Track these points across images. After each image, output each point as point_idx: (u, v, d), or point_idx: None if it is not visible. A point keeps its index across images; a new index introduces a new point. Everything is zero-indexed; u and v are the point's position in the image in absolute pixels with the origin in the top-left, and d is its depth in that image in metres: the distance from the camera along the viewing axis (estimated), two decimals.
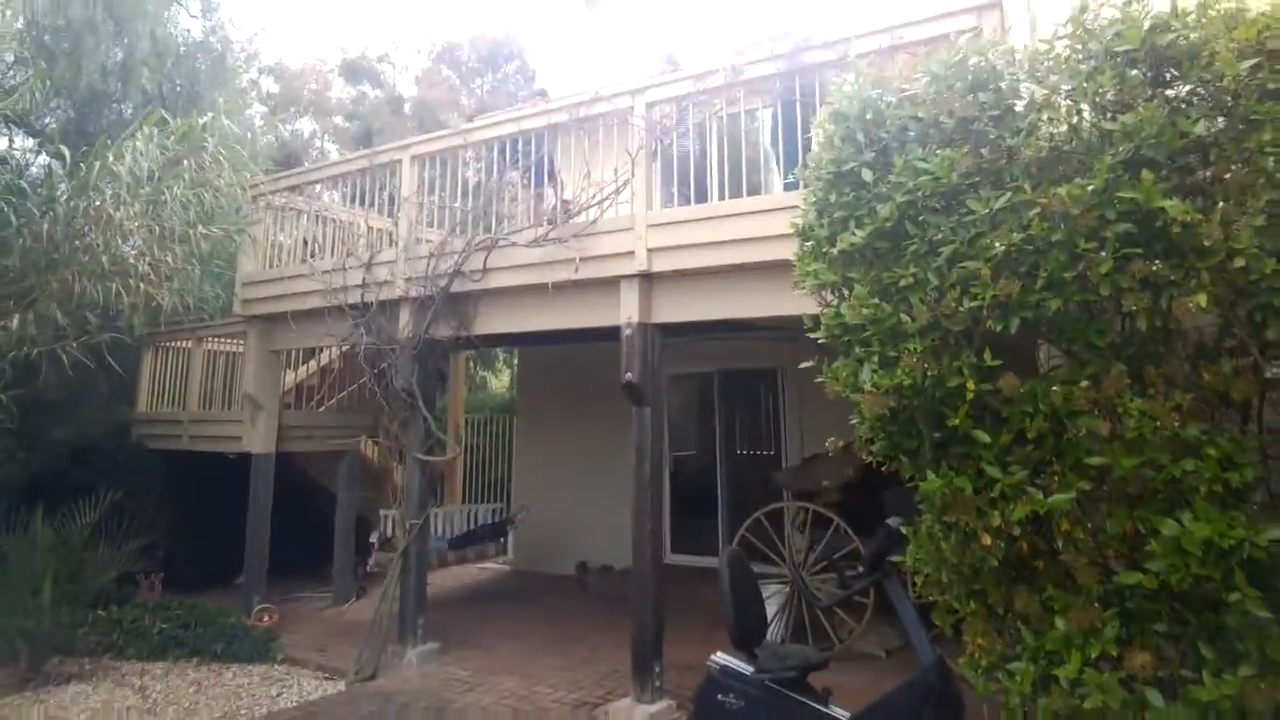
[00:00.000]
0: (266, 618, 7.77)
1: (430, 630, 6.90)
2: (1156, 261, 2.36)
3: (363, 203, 7.63)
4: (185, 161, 6.76)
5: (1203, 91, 2.52)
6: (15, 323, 6.21)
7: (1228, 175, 2.36)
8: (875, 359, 2.88)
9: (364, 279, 7.15)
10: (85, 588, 7.02)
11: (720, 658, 5.09)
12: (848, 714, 4.75)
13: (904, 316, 2.76)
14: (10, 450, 7.87)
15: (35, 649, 6.48)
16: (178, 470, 9.10)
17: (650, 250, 5.68)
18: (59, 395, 8.66)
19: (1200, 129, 2.35)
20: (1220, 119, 2.48)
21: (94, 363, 7.19)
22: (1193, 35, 2.50)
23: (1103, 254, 2.37)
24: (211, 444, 8.77)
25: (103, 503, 7.38)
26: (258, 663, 6.91)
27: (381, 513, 9.43)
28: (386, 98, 18.18)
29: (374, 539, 9.01)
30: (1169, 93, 2.62)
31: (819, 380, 3.27)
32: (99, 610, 7.34)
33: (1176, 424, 2.38)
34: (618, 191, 6.01)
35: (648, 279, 5.79)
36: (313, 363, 9.61)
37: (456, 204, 6.90)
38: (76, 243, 6.59)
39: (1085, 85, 2.55)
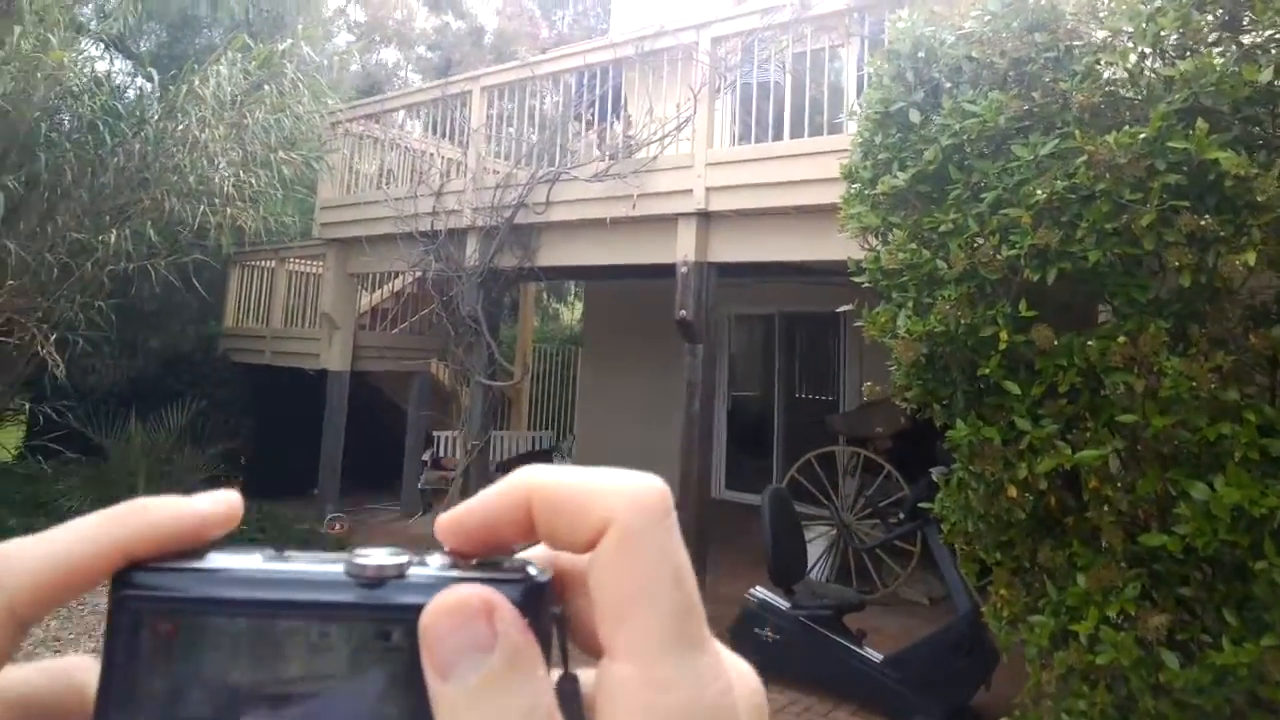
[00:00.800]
0: (338, 526, 8.14)
1: None
2: (1206, 216, 2.24)
3: (435, 132, 7.69)
4: (266, 87, 6.90)
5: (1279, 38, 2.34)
6: (113, 238, 6.51)
7: None
8: (911, 305, 2.82)
9: (434, 207, 7.26)
10: (172, 487, 7.46)
11: (758, 592, 5.18)
12: (880, 656, 4.80)
13: (941, 262, 2.69)
14: (111, 356, 8.33)
15: None
16: (260, 383, 9.50)
17: (709, 189, 5.60)
18: (153, 307, 9.11)
19: (1265, 76, 2.19)
20: None
21: (182, 280, 7.52)
22: None
23: (1147, 205, 2.25)
24: (291, 359, 9.11)
25: (190, 409, 7.77)
26: None
27: (435, 434, 9.70)
28: (468, 28, 18.10)
29: (426, 457, 9.29)
30: (1244, 39, 2.44)
31: (857, 324, 3.23)
32: None
33: (1214, 385, 2.28)
34: (679, 129, 5.93)
35: (705, 217, 5.73)
36: (388, 287, 9.86)
37: (524, 135, 6.91)
38: (165, 163, 6.84)
39: (1146, 27, 2.39)
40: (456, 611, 0.23)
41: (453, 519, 0.27)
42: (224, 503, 0.29)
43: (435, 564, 0.26)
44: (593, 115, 6.43)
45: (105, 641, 0.24)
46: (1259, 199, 2.16)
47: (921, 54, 2.86)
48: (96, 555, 0.25)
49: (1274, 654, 2.33)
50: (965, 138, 2.64)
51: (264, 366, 9.48)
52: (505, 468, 9.39)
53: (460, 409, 10.61)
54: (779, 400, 9.77)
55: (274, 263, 9.66)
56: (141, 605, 0.25)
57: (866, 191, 2.97)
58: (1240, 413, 2.32)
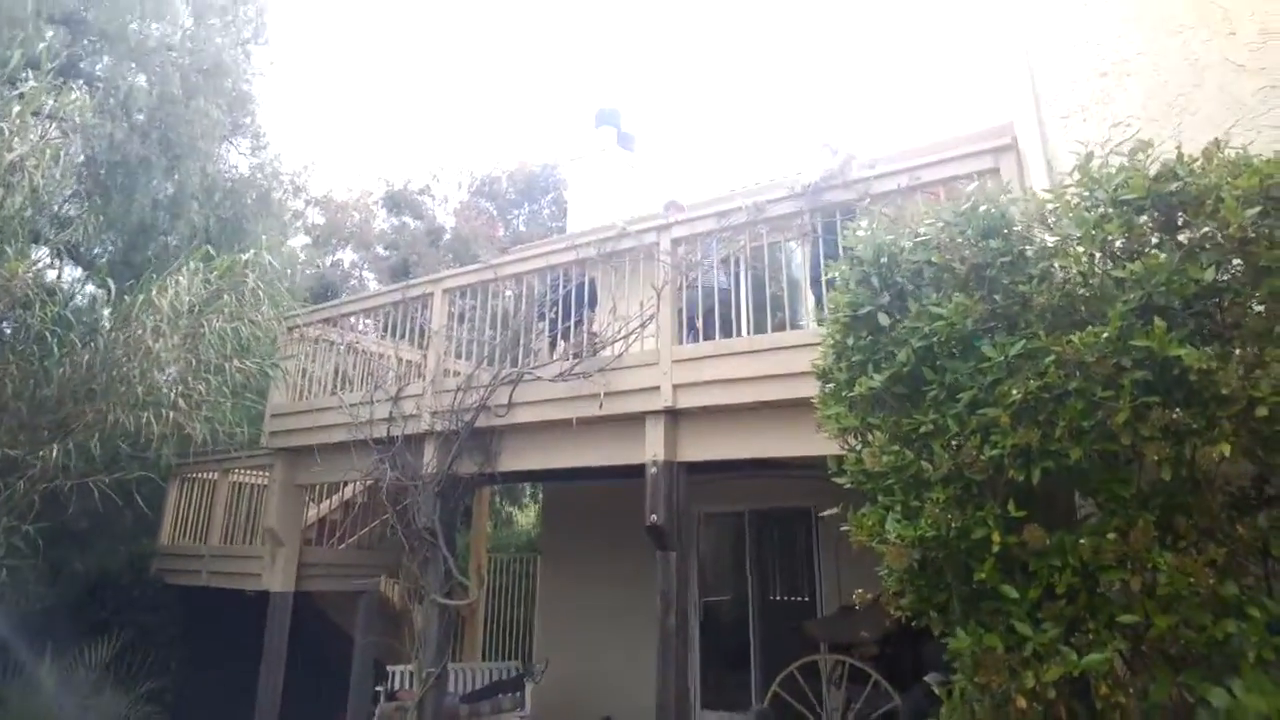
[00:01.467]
0: None
1: None
2: (1176, 410, 2.37)
3: (394, 334, 7.88)
4: (225, 296, 7.10)
5: (1216, 236, 2.58)
6: (53, 453, 6.40)
7: (1244, 321, 2.39)
8: (899, 508, 2.87)
9: (391, 412, 7.31)
10: None
11: None
12: None
13: (925, 464, 2.78)
14: (27, 585, 7.95)
15: None
16: (194, 607, 9.10)
17: (675, 386, 5.76)
18: (83, 526, 8.82)
19: (1210, 275, 2.40)
20: (1235, 261, 2.54)
21: (122, 496, 7.35)
22: (1199, 182, 2.59)
23: (1119, 402, 2.38)
24: (231, 580, 8.79)
25: (115, 643, 7.36)
26: None
27: (389, 668, 9.27)
28: (426, 228, 19.02)
29: (380, 689, 8.82)
30: (1180, 238, 2.69)
31: (843, 529, 3.26)
32: None
33: (1211, 580, 2.33)
34: (643, 326, 6.17)
35: (673, 415, 5.85)
36: (335, 498, 9.71)
37: (486, 336, 7.11)
38: (114, 373, 6.86)
39: (1094, 233, 2.64)
40: None
41: None
42: None
43: None
44: (556, 314, 6.67)
45: None
46: (1224, 391, 2.30)
47: (884, 260, 3.09)
48: None
49: None
50: (935, 339, 2.80)
51: (199, 588, 9.11)
52: (471, 698, 8.94)
53: (413, 632, 10.20)
54: (753, 604, 9.55)
55: (216, 474, 9.52)
56: None
57: (844, 393, 3.10)
58: (1243, 609, 2.35)
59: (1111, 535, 2.48)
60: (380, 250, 18.49)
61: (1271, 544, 2.43)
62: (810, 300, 5.52)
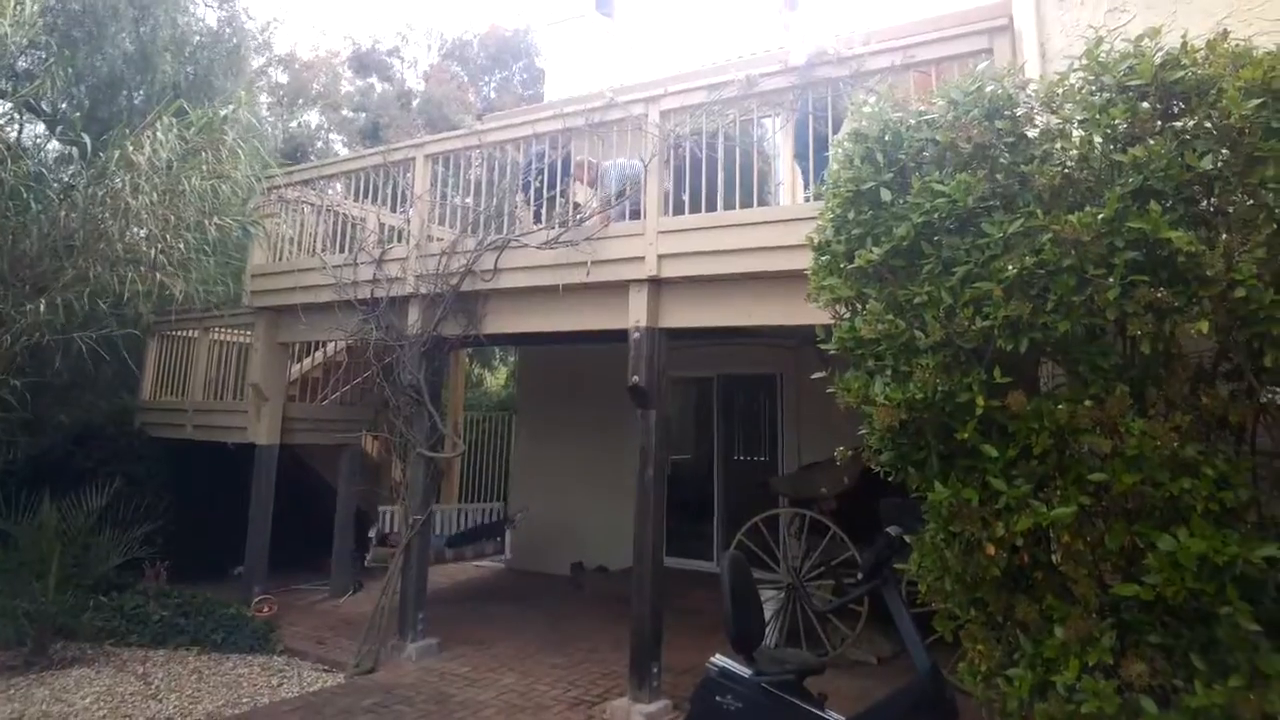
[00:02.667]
0: (266, 608, 7.85)
1: (429, 626, 6.99)
2: (1161, 289, 2.48)
3: (374, 199, 7.72)
4: (204, 153, 6.84)
5: (1209, 126, 2.64)
6: (41, 307, 6.28)
7: (1231, 209, 2.48)
8: (888, 372, 2.99)
9: (375, 275, 7.25)
10: (89, 573, 7.09)
11: (719, 660, 5.19)
12: (843, 718, 4.87)
13: (917, 332, 2.88)
14: (15, 435, 7.93)
15: (40, 632, 6.56)
16: (178, 459, 9.17)
17: (660, 256, 5.79)
18: (64, 380, 8.74)
19: (1206, 164, 2.47)
20: (1225, 153, 2.61)
21: (104, 351, 7.27)
22: (1201, 72, 2.62)
23: (1110, 280, 2.48)
24: (215, 434, 8.85)
25: (107, 489, 7.44)
26: (257, 653, 6.99)
27: (380, 509, 9.51)
28: (395, 92, 18.27)
29: (372, 534, 9.09)
30: (1176, 125, 2.74)
31: (829, 391, 3.38)
32: (101, 596, 7.41)
33: (1175, 444, 2.49)
34: (627, 196, 6.12)
35: (656, 284, 5.90)
36: (317, 355, 9.70)
37: (469, 202, 7.00)
38: (92, 229, 6.67)
39: (1098, 117, 2.67)
40: None
41: None
42: None
43: None
44: (541, 183, 6.57)
45: None
46: (1208, 273, 2.41)
47: (888, 137, 3.10)
48: None
49: (1241, 694, 2.51)
50: (935, 216, 2.86)
51: (182, 441, 9.16)
52: (456, 542, 9.25)
53: (391, 484, 10.43)
54: (718, 463, 9.92)
55: (196, 332, 9.42)
56: None
57: (840, 265, 3.16)
58: (1199, 468, 2.53)
59: (1088, 402, 2.62)
60: (348, 113, 17.78)
61: (1230, 412, 2.59)
62: (796, 176, 5.51)
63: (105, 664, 6.60)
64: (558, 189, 6.51)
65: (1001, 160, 2.85)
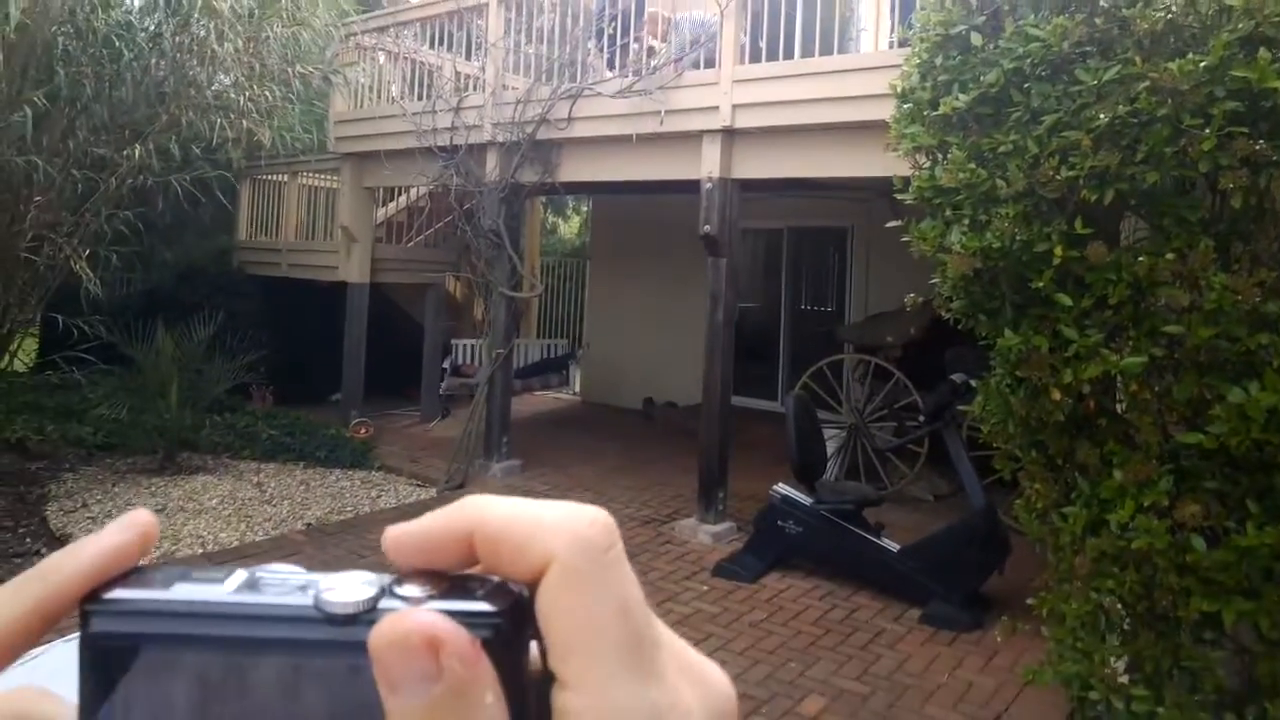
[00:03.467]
0: (363, 430, 8.34)
1: (512, 449, 7.39)
2: (1260, 141, 2.35)
3: (449, 46, 7.56)
4: (283, 0, 6.74)
5: None
6: (137, 152, 6.46)
7: None
8: (966, 221, 2.94)
9: (453, 122, 7.20)
10: (203, 395, 7.59)
11: (782, 488, 5.44)
12: (898, 546, 5.11)
13: (999, 181, 2.80)
14: (131, 267, 8.32)
15: (168, 443, 7.15)
16: (275, 295, 9.55)
17: (735, 106, 5.62)
18: (166, 221, 9.06)
19: None
20: None
21: (201, 194, 7.49)
22: None
23: (1206, 131, 2.36)
24: (309, 272, 9.16)
25: (213, 322, 7.84)
26: (357, 469, 7.50)
27: (453, 341, 9.83)
28: None
29: (446, 364, 9.45)
30: None
31: (903, 240, 3.35)
32: (215, 416, 7.97)
33: (1257, 299, 2.44)
34: (701, 45, 5.89)
35: (730, 134, 5.76)
36: (401, 199, 9.82)
37: (542, 50, 6.82)
38: (182, 77, 6.73)
39: None
40: (399, 644, 0.22)
41: (397, 539, 0.26)
42: (136, 529, 0.27)
43: (408, 591, 0.25)
44: (615, 29, 6.34)
45: (79, 678, 0.25)
46: None
47: None
48: (13, 631, 0.25)
49: None
50: (1028, 61, 2.71)
51: (278, 279, 9.51)
52: (522, 374, 9.57)
53: (474, 321, 10.75)
54: (785, 312, 9.94)
55: (285, 177, 9.58)
56: (107, 642, 0.24)
57: (924, 112, 3.05)
58: (1278, 323, 2.49)
59: (1170, 255, 2.56)
60: None
61: None
62: (879, 22, 5.20)
63: (225, 473, 7.19)
64: (631, 36, 6.27)
65: (1102, 3, 2.67)
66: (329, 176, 9.22)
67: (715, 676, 0.28)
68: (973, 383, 3.63)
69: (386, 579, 0.25)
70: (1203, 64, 2.39)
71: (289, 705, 0.24)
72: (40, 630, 0.26)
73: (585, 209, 14.08)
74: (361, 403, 8.75)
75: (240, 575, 0.26)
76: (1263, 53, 2.29)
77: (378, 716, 0.23)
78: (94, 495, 6.36)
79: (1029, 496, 3.26)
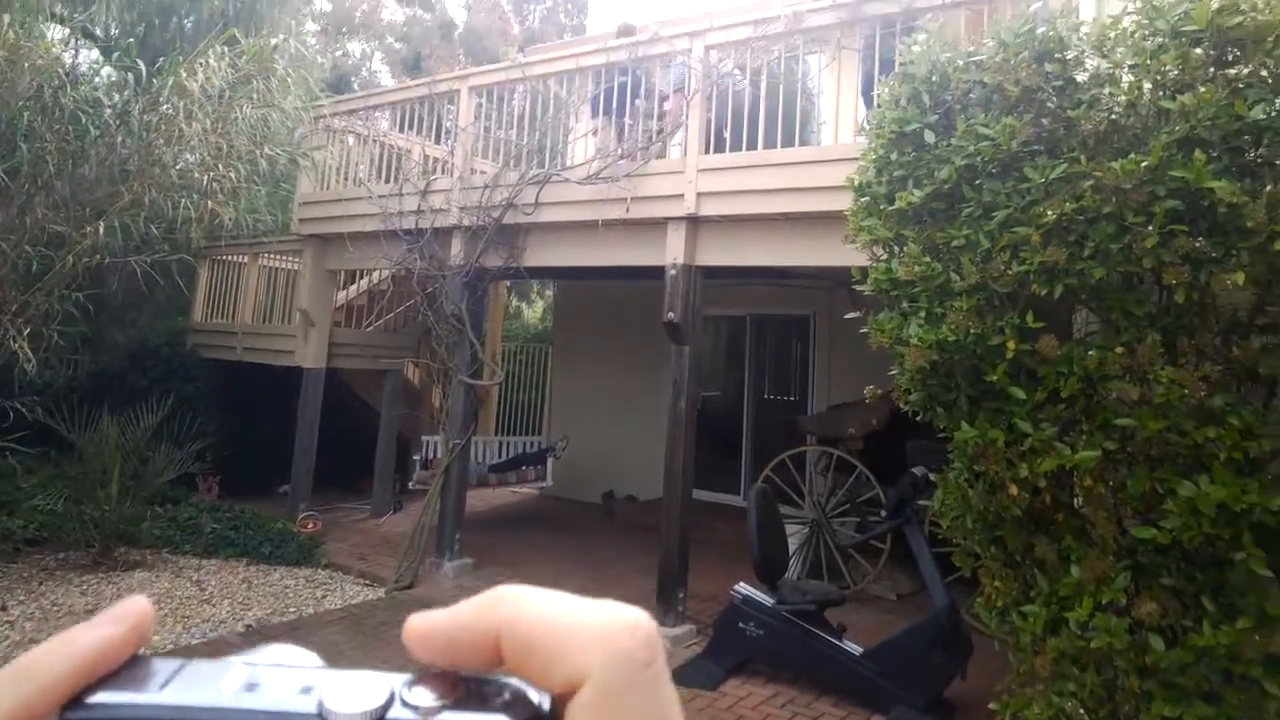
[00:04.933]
0: (311, 525, 8.13)
1: (465, 546, 7.23)
2: (1200, 239, 2.46)
3: (419, 130, 7.74)
4: (254, 81, 6.88)
5: (1264, 74, 2.58)
6: (100, 230, 6.44)
7: (1278, 160, 2.44)
8: (922, 314, 3.01)
9: (419, 205, 7.31)
10: (146, 485, 7.37)
11: (743, 588, 5.36)
12: (861, 649, 5.01)
13: (953, 275, 2.89)
14: (78, 351, 8.20)
15: (105, 536, 6.89)
16: (228, 379, 9.43)
17: (700, 194, 5.77)
18: (121, 301, 8.99)
19: (1257, 113, 2.43)
20: (1278, 102, 2.55)
21: (158, 274, 7.46)
22: (1260, 19, 2.55)
23: (1149, 228, 2.47)
24: (263, 356, 9.06)
25: (162, 407, 7.70)
26: (303, 566, 7.28)
27: (424, 438, 9.73)
28: (437, 22, 18.08)
29: (416, 458, 9.32)
30: (1229, 73, 2.68)
31: (861, 332, 3.41)
32: (157, 507, 7.73)
33: (1203, 393, 2.51)
34: (671, 133, 6.09)
35: (694, 222, 5.90)
36: (363, 282, 9.84)
37: (512, 136, 7.00)
38: (148, 155, 6.79)
39: (1149, 63, 2.62)
40: None
41: (419, 633, 0.25)
42: (129, 620, 0.26)
43: (419, 698, 0.23)
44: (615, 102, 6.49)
45: None
46: (1248, 225, 2.39)
47: (936, 78, 3.06)
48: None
49: (1248, 635, 2.57)
50: (978, 159, 2.84)
51: (232, 363, 9.40)
52: (499, 469, 9.46)
53: (431, 410, 10.66)
54: (748, 401, 10.00)
55: (246, 258, 9.59)
56: None
57: (881, 206, 3.16)
58: (1225, 418, 2.55)
59: (1119, 349, 2.63)
60: (392, 43, 17.64)
61: (1260, 364, 2.59)
62: (839, 116, 5.43)
63: (164, 569, 6.93)
64: (600, 123, 6.46)
65: (1048, 104, 2.82)
66: (290, 258, 9.24)
67: None
68: (932, 477, 3.65)
69: (397, 681, 0.24)
70: (1144, 164, 2.52)
71: None
72: None
73: (549, 293, 14.22)
74: (311, 495, 8.56)
75: (240, 672, 0.24)
76: (1198, 154, 2.43)
77: None
78: (16, 596, 6.06)
79: (989, 594, 3.25)
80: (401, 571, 6.84)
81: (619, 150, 6.22)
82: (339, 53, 16.97)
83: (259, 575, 6.98)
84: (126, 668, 0.24)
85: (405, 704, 0.23)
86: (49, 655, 0.24)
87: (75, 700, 0.23)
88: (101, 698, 0.23)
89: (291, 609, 6.22)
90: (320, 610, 6.24)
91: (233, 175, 7.23)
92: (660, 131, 6.11)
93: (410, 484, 9.20)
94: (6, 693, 0.24)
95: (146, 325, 9.76)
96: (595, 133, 6.52)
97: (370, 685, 0.23)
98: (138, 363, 9.32)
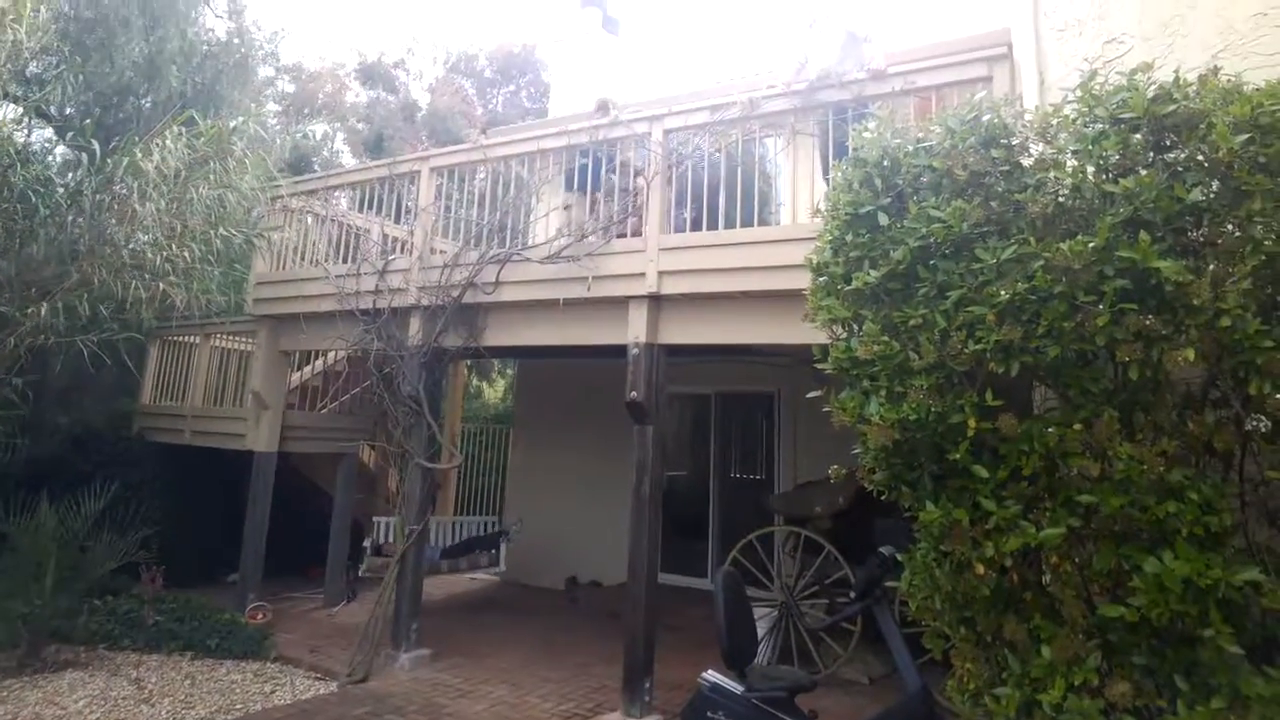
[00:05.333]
0: (260, 615, 7.86)
1: (422, 637, 7.01)
2: (1150, 317, 2.54)
3: (379, 210, 7.79)
4: (211, 163, 6.92)
5: (1200, 159, 2.71)
6: (43, 311, 6.34)
7: (1219, 240, 2.55)
8: (883, 393, 3.05)
9: (377, 285, 7.31)
10: (85, 577, 7.09)
11: (710, 675, 5.22)
12: None
13: (912, 354, 2.94)
14: (15, 437, 7.97)
15: (35, 634, 6.57)
16: (176, 464, 9.19)
17: (661, 273, 5.86)
18: (65, 383, 8.79)
19: (1195, 195, 2.54)
20: (1215, 185, 2.68)
21: (105, 354, 7.32)
22: (1192, 106, 2.70)
23: (1100, 307, 2.55)
24: (214, 440, 8.87)
25: (106, 493, 7.47)
26: (251, 660, 6.99)
27: (375, 519, 9.53)
28: (400, 104, 18.42)
29: (367, 544, 9.11)
30: (1168, 157, 2.81)
31: (825, 410, 3.44)
32: (96, 600, 7.42)
33: (1162, 468, 2.55)
34: (631, 215, 6.20)
35: (656, 300, 5.96)
36: (318, 363, 9.75)
37: (473, 216, 7.08)
38: (99, 235, 6.74)
39: (1091, 148, 2.74)
40: None
41: None
42: None
43: None
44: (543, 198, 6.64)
45: None
46: (1195, 302, 2.48)
47: (887, 163, 3.17)
48: None
49: (1222, 715, 2.56)
50: (931, 240, 2.93)
51: (180, 447, 9.19)
52: (451, 553, 9.26)
53: (387, 493, 10.47)
54: (714, 480, 9.96)
55: (198, 338, 9.46)
56: None
57: (838, 286, 3.23)
58: (1185, 493, 2.59)
59: (1077, 426, 2.68)
60: (354, 123, 17.91)
61: (1215, 439, 2.65)
62: (796, 197, 5.58)
63: (99, 668, 6.61)
64: (560, 203, 6.57)
65: (996, 188, 2.93)
66: (243, 339, 9.14)
67: None
68: (900, 556, 3.64)
69: None
70: (1091, 245, 2.61)
71: None
72: None
73: (511, 372, 14.19)
74: (260, 583, 8.28)
75: None
76: (1143, 235, 2.52)
77: None
78: None
79: (961, 676, 3.22)
80: (355, 664, 6.60)
81: (595, 224, 6.29)
82: (300, 134, 17.16)
83: (204, 670, 6.69)
84: None
85: None
86: None
87: None
88: None
89: (238, 706, 5.95)
90: (269, 706, 5.98)
91: (186, 255, 7.20)
92: (626, 210, 6.22)
93: (361, 571, 8.96)
94: None
95: (91, 408, 9.52)
96: (568, 207, 6.61)
97: None
98: (80, 446, 9.06)
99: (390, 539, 8.91)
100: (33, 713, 5.65)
